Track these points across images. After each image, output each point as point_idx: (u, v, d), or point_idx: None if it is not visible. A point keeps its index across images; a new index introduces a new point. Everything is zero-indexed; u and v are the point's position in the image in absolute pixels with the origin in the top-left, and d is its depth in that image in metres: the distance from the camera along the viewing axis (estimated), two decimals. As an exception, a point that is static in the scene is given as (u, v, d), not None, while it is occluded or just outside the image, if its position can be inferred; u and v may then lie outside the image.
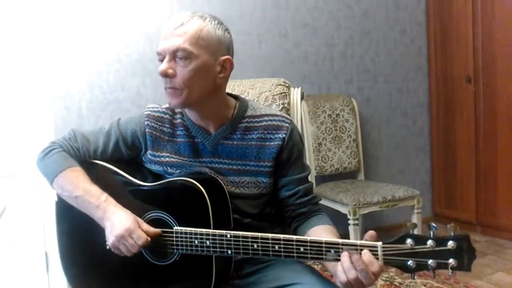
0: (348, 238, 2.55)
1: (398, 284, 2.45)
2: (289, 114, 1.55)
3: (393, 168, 3.44)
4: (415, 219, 2.67)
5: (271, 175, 1.20)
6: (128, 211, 1.11)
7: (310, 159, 2.92)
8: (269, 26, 2.94)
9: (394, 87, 3.42)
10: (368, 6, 3.27)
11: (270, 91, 1.59)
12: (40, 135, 2.39)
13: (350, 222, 2.53)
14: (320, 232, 1.14)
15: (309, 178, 1.27)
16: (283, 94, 1.59)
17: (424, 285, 2.42)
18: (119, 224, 1.07)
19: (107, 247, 1.17)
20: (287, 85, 1.61)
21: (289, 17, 3.01)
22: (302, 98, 1.63)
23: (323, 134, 2.97)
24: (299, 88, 1.62)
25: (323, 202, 2.74)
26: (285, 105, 1.58)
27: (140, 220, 1.11)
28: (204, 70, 1.11)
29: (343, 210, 2.59)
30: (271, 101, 1.57)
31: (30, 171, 2.39)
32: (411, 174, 3.51)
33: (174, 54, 1.10)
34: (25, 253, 2.42)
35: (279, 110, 1.44)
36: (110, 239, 1.09)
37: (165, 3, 2.64)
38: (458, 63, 3.28)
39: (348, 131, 3.04)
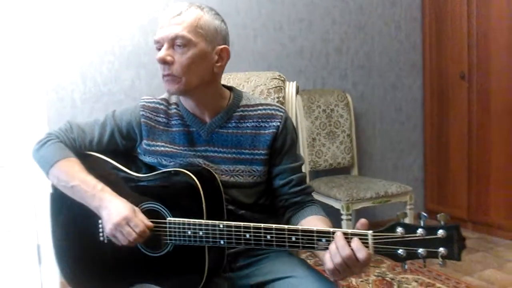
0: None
1: (389, 280, 2.46)
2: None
3: (386, 163, 3.45)
4: (407, 215, 2.68)
5: (265, 163, 1.21)
6: (125, 200, 1.12)
7: (304, 154, 2.92)
8: (264, 21, 2.93)
9: (389, 82, 3.42)
10: (363, 1, 3.26)
11: (265, 84, 1.59)
12: (34, 126, 2.37)
13: (343, 217, 2.54)
14: (313, 222, 1.14)
15: (303, 169, 1.28)
16: (278, 87, 1.58)
17: (416, 281, 2.43)
18: (116, 212, 1.08)
19: (101, 237, 1.17)
20: (282, 78, 1.61)
21: (285, 12, 3.00)
22: (297, 92, 1.62)
23: (317, 129, 2.97)
24: (294, 82, 1.62)
25: (316, 197, 2.74)
26: (280, 98, 1.57)
27: (136, 209, 1.12)
28: (202, 57, 1.13)
29: (336, 205, 2.60)
30: (266, 95, 1.56)
31: (23, 163, 2.37)
32: (404, 170, 3.52)
33: (172, 42, 1.11)
34: (17, 245, 2.40)
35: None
36: (107, 227, 1.09)
37: (160, -5, 2.62)
38: (452, 59, 3.29)
39: (342, 127, 3.04)
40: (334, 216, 2.57)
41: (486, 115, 3.10)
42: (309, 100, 2.96)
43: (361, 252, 0.92)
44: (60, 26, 2.42)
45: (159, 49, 1.13)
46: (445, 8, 3.31)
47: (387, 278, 2.47)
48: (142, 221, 1.08)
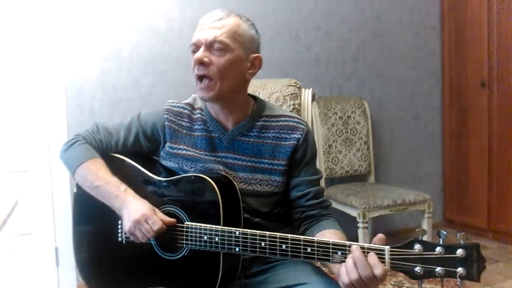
0: (357, 242, 2.54)
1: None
2: (300, 115, 1.56)
3: (404, 172, 3.41)
4: (425, 223, 2.64)
5: (284, 174, 1.22)
6: (145, 201, 1.16)
7: (320, 161, 2.91)
8: (281, 29, 2.94)
9: (407, 90, 3.39)
10: (381, 9, 3.25)
11: (281, 91, 1.60)
12: (53, 132, 2.42)
13: (360, 225, 2.52)
14: (328, 236, 1.14)
15: (321, 183, 1.29)
16: (294, 94, 1.59)
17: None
18: (136, 210, 1.11)
19: (119, 238, 1.20)
20: (298, 86, 1.61)
21: (301, 20, 3.00)
22: (313, 99, 1.63)
23: (334, 136, 2.95)
24: (310, 89, 1.62)
25: (332, 204, 2.73)
26: (296, 105, 1.58)
27: (156, 208, 1.14)
28: (237, 63, 1.17)
29: (353, 213, 2.58)
30: (282, 102, 1.57)
31: (42, 167, 2.42)
32: (422, 178, 3.47)
33: (210, 45, 1.14)
34: (35, 248, 2.44)
35: (292, 111, 1.47)
36: (127, 224, 1.12)
37: (177, 4, 2.66)
38: (472, 67, 3.25)
39: (359, 134, 3.02)
40: (350, 224, 2.56)
41: (506, 123, 3.04)
42: (325, 107, 2.95)
43: (378, 269, 0.91)
44: (80, 34, 2.47)
45: (195, 52, 1.17)
46: (465, 15, 3.28)
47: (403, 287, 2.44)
48: (160, 219, 1.11)
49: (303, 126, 1.24)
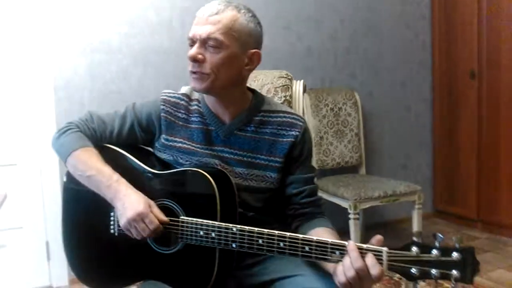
0: (349, 233, 2.55)
1: (397, 279, 2.45)
2: (291, 107, 1.55)
3: (395, 163, 3.43)
4: (416, 214, 2.66)
5: (280, 170, 1.21)
6: (140, 193, 1.12)
7: (311, 152, 2.91)
8: (272, 19, 2.92)
9: (398, 81, 3.40)
10: (372, 0, 3.24)
11: (272, 83, 1.59)
12: (42, 124, 2.39)
13: (351, 216, 2.53)
14: (322, 234, 1.13)
15: (315, 180, 1.28)
16: (286, 86, 1.58)
17: (423, 281, 2.41)
18: (131, 206, 1.08)
19: (111, 229, 1.18)
20: (289, 77, 1.61)
21: (293, 10, 2.99)
22: (304, 91, 1.62)
23: (325, 127, 2.96)
24: (302, 81, 1.61)
25: (323, 196, 2.73)
26: (287, 97, 1.57)
27: (151, 203, 1.12)
28: (232, 60, 1.14)
29: (344, 204, 2.59)
30: (273, 93, 1.56)
31: (31, 160, 2.40)
32: (413, 169, 3.50)
33: (205, 41, 1.12)
34: (26, 242, 2.43)
35: (283, 103, 1.45)
36: (122, 221, 1.09)
37: (168, -6, 2.63)
38: (462, 58, 3.26)
39: (350, 125, 3.03)
40: (341, 216, 2.57)
41: (496, 114, 3.07)
42: (316, 99, 2.95)
43: (375, 269, 0.92)
44: (69, 24, 2.43)
45: (191, 45, 1.14)
46: (455, 6, 3.28)
47: (395, 278, 2.46)
48: (156, 217, 1.09)
49: (301, 123, 1.23)
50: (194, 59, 1.12)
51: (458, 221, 3.36)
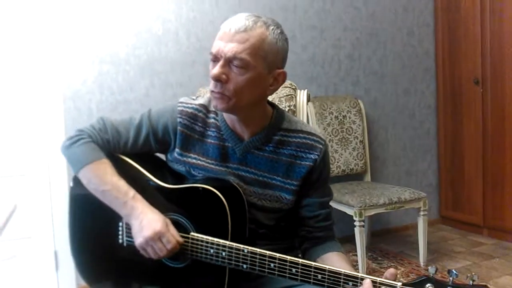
0: (354, 240, 2.56)
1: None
2: (295, 116, 1.57)
3: (400, 170, 3.44)
4: (421, 221, 2.67)
5: (295, 193, 1.19)
6: (157, 211, 1.10)
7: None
8: (276, 28, 2.95)
9: (402, 88, 3.42)
10: (375, 8, 3.27)
11: (277, 93, 1.61)
12: (51, 135, 2.42)
13: (356, 223, 2.54)
14: (335, 260, 1.13)
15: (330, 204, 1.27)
16: (290, 96, 1.61)
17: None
18: (149, 226, 1.06)
19: (120, 239, 1.17)
20: (293, 87, 1.63)
21: (297, 20, 3.02)
22: (308, 100, 1.64)
23: (330, 135, 2.98)
24: (305, 91, 1.64)
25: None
26: (291, 107, 1.59)
27: (168, 221, 1.10)
28: (257, 81, 1.08)
29: (349, 211, 2.60)
30: (278, 103, 1.59)
31: (40, 170, 2.43)
32: (418, 176, 3.51)
33: (230, 60, 1.05)
34: (34, 252, 2.45)
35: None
36: (138, 239, 1.07)
37: (173, 6, 2.67)
38: (466, 64, 3.27)
39: (355, 133, 3.05)
40: (347, 223, 2.58)
41: (500, 120, 3.07)
42: (321, 107, 2.97)
43: None
44: (77, 37, 2.48)
45: (213, 61, 1.08)
46: (458, 13, 3.30)
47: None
48: (173, 237, 1.07)
49: (321, 146, 1.18)
50: (217, 79, 1.06)
51: (463, 227, 3.35)
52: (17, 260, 2.42)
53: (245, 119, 1.16)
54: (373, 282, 0.94)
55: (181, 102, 1.22)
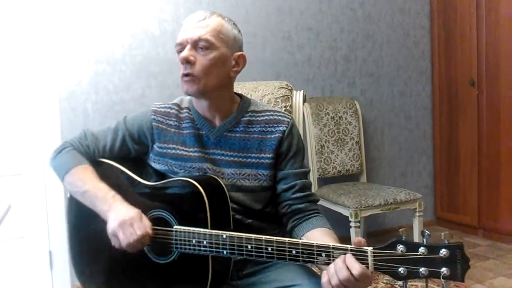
0: (350, 241, 2.56)
1: (399, 287, 2.46)
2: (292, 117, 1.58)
3: (395, 171, 3.45)
4: (416, 222, 2.68)
5: (271, 167, 1.23)
6: (133, 207, 1.15)
7: (312, 161, 2.94)
8: (273, 30, 2.96)
9: (397, 90, 3.43)
10: (371, 10, 3.28)
11: (273, 93, 1.61)
12: (46, 135, 2.42)
13: (352, 224, 2.54)
14: (319, 235, 1.14)
15: (309, 177, 1.29)
16: (286, 97, 1.61)
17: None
18: (122, 214, 1.11)
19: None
20: (289, 88, 1.63)
21: (293, 21, 3.03)
22: (304, 101, 1.65)
23: (326, 136, 2.98)
24: (301, 91, 1.64)
25: (324, 204, 2.76)
26: (288, 107, 1.60)
27: (144, 216, 1.14)
28: (222, 61, 1.19)
29: (345, 212, 2.61)
30: (274, 104, 1.59)
31: (35, 170, 2.42)
32: (413, 177, 3.52)
33: (195, 44, 1.17)
34: (29, 251, 2.45)
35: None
36: (111, 225, 1.11)
37: (170, 7, 2.67)
38: (461, 66, 3.29)
39: (351, 134, 3.05)
40: (342, 224, 2.59)
41: (496, 122, 3.09)
42: (317, 108, 2.98)
43: (355, 269, 0.91)
44: (73, 36, 2.47)
45: (180, 51, 1.19)
46: (454, 15, 3.32)
47: (396, 286, 2.47)
48: (145, 226, 1.11)
49: (287, 119, 1.26)
50: (186, 61, 1.16)
51: (459, 228, 3.36)
52: (11, 260, 2.41)
53: (213, 104, 1.24)
54: (344, 249, 0.94)
55: (154, 104, 1.34)
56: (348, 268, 0.91)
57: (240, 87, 1.66)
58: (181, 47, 1.19)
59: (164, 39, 2.67)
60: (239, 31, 1.26)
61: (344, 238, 2.77)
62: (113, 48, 2.56)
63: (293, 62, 3.04)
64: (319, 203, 1.31)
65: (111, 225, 1.11)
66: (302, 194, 1.24)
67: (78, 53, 2.49)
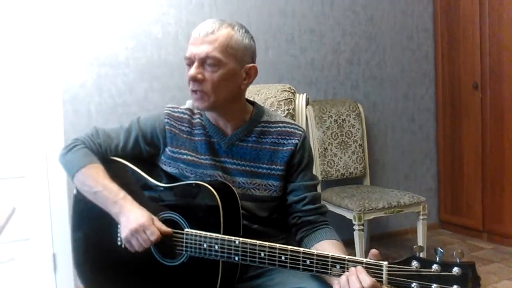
0: (353, 244, 2.56)
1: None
2: (294, 120, 1.58)
3: (399, 173, 3.44)
4: (420, 225, 2.67)
5: (282, 178, 1.24)
6: (144, 209, 1.16)
7: (315, 164, 2.93)
8: (275, 33, 2.97)
9: (401, 92, 3.42)
10: (374, 12, 3.28)
11: (276, 97, 1.62)
12: (50, 137, 2.43)
13: (355, 227, 2.53)
14: (328, 247, 1.15)
15: (318, 189, 1.30)
16: (288, 100, 1.61)
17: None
18: (134, 219, 1.12)
19: (119, 242, 1.20)
20: (292, 91, 1.63)
21: (296, 24, 3.03)
22: (307, 104, 1.65)
23: (329, 139, 2.98)
24: (304, 94, 1.64)
25: (328, 207, 2.73)
26: (290, 110, 1.60)
27: (154, 217, 1.15)
28: (231, 76, 1.17)
29: (348, 215, 2.60)
30: (277, 107, 1.59)
31: (39, 173, 2.43)
32: (417, 180, 3.50)
33: (203, 61, 1.15)
34: (33, 254, 2.45)
35: (286, 116, 1.48)
36: (124, 232, 1.13)
37: (173, 10, 2.68)
38: (465, 69, 3.28)
39: (354, 136, 3.05)
40: (346, 227, 2.58)
41: (499, 125, 3.08)
42: (320, 110, 2.98)
43: (365, 282, 0.92)
44: (77, 39, 2.48)
45: (189, 65, 1.17)
46: (457, 17, 3.31)
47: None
48: (158, 229, 1.12)
49: (300, 132, 1.26)
50: (194, 79, 1.15)
51: (463, 232, 3.35)
52: (15, 262, 2.42)
53: (225, 115, 1.24)
54: (360, 262, 0.96)
55: (167, 107, 1.33)
56: (360, 281, 0.93)
57: (243, 90, 1.66)
58: (189, 61, 1.18)
59: (167, 42, 2.67)
60: (251, 38, 1.22)
61: (348, 241, 2.77)
62: (117, 50, 2.57)
63: (296, 65, 3.04)
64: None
65: (124, 233, 1.13)
66: (312, 206, 1.24)
67: (81, 55, 2.50)
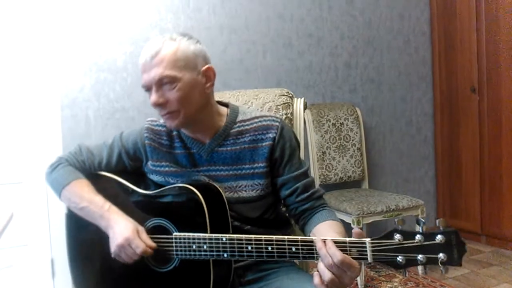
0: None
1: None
2: (292, 124, 1.58)
3: (397, 177, 3.44)
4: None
5: (267, 175, 1.22)
6: (129, 219, 1.17)
7: (314, 168, 2.93)
8: (273, 37, 2.97)
9: (398, 96, 3.43)
10: (371, 16, 3.29)
11: (274, 101, 1.62)
12: (48, 142, 2.42)
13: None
14: (323, 230, 1.14)
15: (309, 174, 1.28)
16: (286, 104, 1.61)
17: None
18: (119, 234, 1.13)
19: (112, 254, 1.19)
20: (290, 95, 1.63)
21: (293, 28, 3.04)
22: (305, 108, 1.65)
23: (327, 143, 2.98)
24: (302, 99, 1.64)
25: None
26: (288, 115, 1.60)
27: (140, 228, 1.16)
28: (192, 87, 1.16)
29: (347, 219, 2.60)
30: (275, 111, 1.59)
31: (37, 178, 2.42)
32: (415, 183, 3.51)
33: (159, 83, 1.14)
34: (31, 259, 2.44)
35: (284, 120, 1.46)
36: (112, 247, 1.14)
37: (171, 15, 2.68)
38: (462, 72, 3.29)
39: (352, 140, 3.05)
40: (344, 230, 2.58)
41: (497, 128, 3.08)
42: (318, 114, 2.98)
43: (336, 257, 0.92)
44: (75, 44, 2.48)
45: (148, 91, 1.17)
46: (454, 21, 3.33)
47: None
48: (144, 242, 1.12)
49: (277, 124, 1.23)
50: (158, 105, 1.15)
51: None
52: (14, 268, 2.41)
53: (200, 125, 1.23)
54: (342, 243, 0.95)
55: (148, 121, 1.33)
56: (330, 256, 0.92)
57: (241, 94, 1.67)
58: (147, 88, 1.17)
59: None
60: (197, 41, 1.20)
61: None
62: (115, 56, 2.57)
63: (294, 69, 3.05)
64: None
65: (112, 249, 1.15)
66: (305, 195, 1.23)
67: (79, 61, 2.50)
